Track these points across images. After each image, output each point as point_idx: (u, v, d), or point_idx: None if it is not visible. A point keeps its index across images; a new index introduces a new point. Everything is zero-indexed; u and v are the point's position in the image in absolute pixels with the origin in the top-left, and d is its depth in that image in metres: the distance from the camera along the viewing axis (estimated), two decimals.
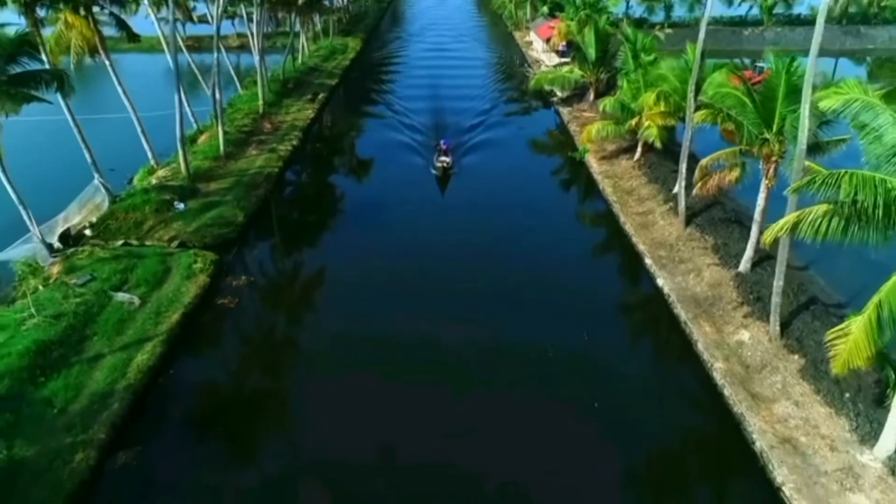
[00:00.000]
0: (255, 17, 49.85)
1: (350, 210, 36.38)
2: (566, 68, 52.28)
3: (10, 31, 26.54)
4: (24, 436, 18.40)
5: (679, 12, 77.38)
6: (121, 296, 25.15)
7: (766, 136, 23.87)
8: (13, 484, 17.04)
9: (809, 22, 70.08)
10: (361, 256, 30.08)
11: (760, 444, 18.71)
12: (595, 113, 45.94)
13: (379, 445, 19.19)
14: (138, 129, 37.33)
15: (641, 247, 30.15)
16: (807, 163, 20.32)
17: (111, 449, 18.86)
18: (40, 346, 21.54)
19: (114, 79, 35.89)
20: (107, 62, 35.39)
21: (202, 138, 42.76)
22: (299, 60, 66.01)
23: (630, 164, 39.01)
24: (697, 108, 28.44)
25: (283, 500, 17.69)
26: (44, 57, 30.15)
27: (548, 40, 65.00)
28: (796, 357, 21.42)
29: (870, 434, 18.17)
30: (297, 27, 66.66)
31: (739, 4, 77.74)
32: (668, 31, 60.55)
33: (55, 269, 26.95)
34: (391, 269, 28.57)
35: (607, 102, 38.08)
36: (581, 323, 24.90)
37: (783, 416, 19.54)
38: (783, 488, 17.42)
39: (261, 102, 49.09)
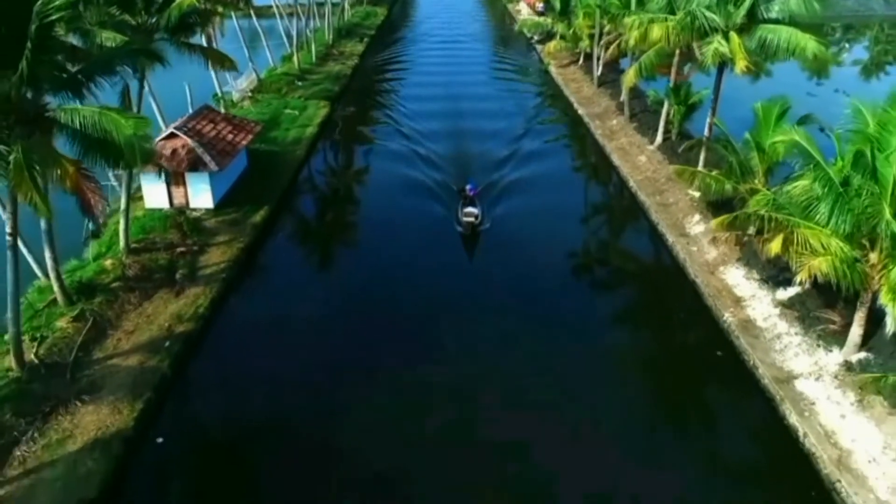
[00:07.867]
0: None
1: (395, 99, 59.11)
2: (541, 18, 74.27)
3: None
4: (269, 143, 40.58)
5: None
6: (288, 110, 47.28)
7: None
8: (273, 155, 39.12)
9: None
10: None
11: (608, 150, 41.03)
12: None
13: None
14: (266, 48, 59.51)
15: (572, 99, 52.65)
16: None
17: (309, 151, 41.30)
18: (260, 119, 43.73)
19: (253, 17, 57.95)
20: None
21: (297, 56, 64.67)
22: (345, 19, 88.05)
23: (575, 68, 61.21)
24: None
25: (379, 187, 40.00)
26: None
27: (530, 5, 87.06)
28: (634, 125, 43.57)
29: (653, 140, 40.20)
30: None
31: None
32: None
33: (246, 102, 49.05)
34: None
35: (560, 26, 60.25)
36: (541, 128, 47.72)
37: (622, 142, 41.74)
38: (615, 162, 39.61)
39: (329, 38, 71.28)
